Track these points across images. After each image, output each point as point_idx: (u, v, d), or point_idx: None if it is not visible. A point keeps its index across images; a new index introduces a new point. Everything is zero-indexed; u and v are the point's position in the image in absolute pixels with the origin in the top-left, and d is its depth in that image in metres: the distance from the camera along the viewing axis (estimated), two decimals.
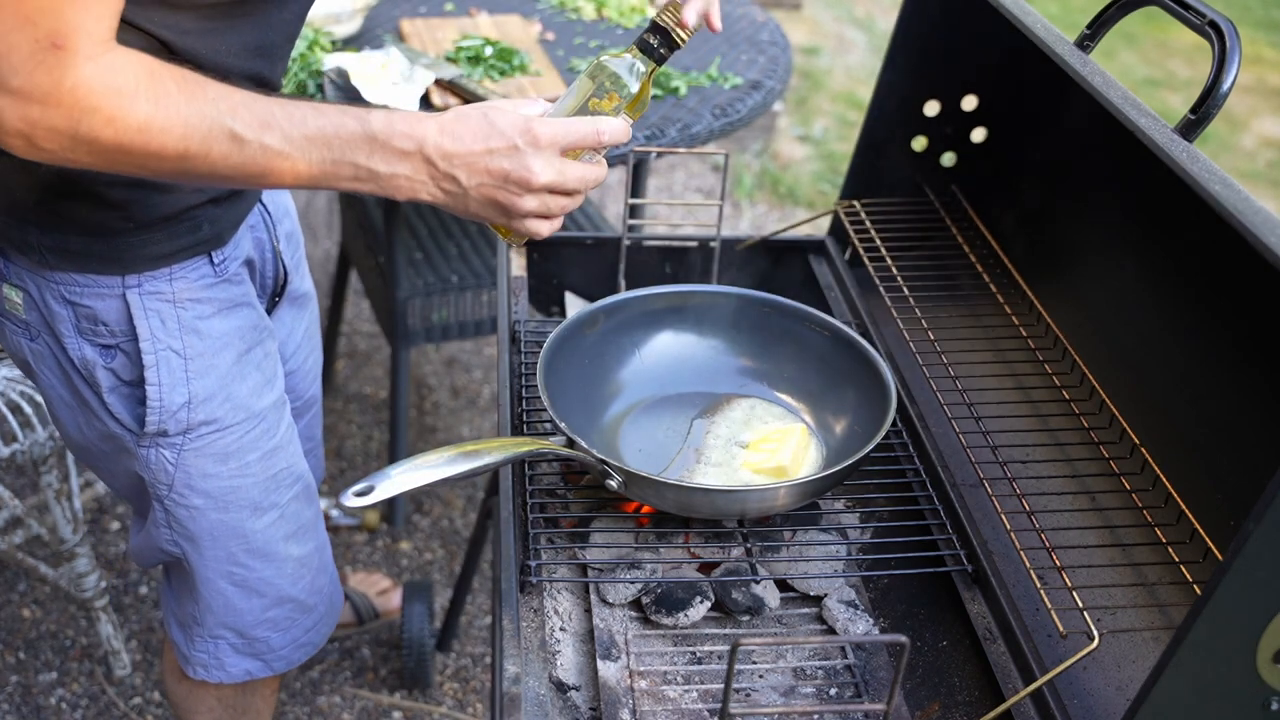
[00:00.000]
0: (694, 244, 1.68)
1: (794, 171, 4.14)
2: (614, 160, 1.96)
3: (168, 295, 1.24)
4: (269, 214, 1.41)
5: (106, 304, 1.21)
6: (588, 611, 1.23)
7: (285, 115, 1.02)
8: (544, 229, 1.12)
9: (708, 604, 1.22)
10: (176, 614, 1.51)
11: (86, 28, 0.92)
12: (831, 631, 1.23)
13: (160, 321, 1.24)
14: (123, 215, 1.17)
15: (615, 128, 1.13)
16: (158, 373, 1.25)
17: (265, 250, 1.41)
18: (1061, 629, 1.07)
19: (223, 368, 1.30)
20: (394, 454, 2.54)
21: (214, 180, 1.04)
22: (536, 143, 1.07)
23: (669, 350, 1.43)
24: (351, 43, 2.20)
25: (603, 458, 1.17)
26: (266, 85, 1.18)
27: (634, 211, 2.99)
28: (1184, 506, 1.13)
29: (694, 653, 1.21)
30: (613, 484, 1.18)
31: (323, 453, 1.82)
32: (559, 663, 1.16)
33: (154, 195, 1.18)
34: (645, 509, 1.28)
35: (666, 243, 1.68)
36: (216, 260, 1.27)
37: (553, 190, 1.09)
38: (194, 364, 1.27)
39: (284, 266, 1.45)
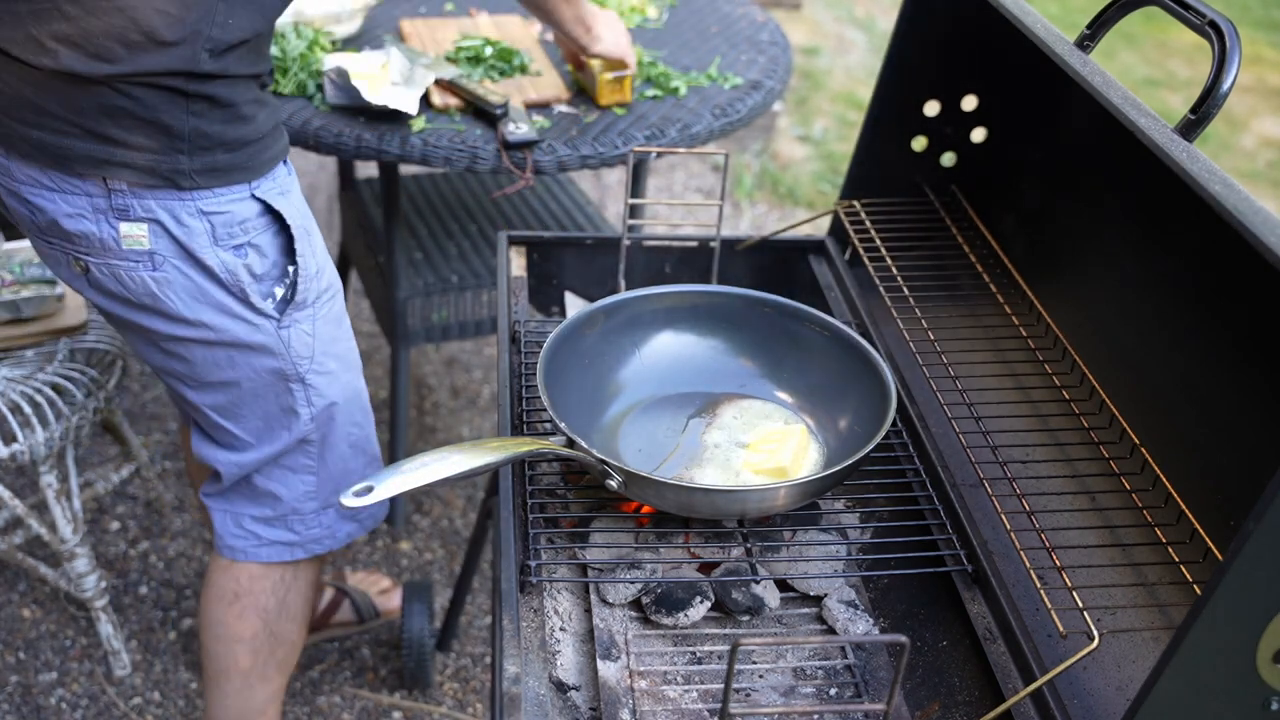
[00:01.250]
0: (694, 244, 1.68)
1: (794, 171, 4.14)
2: (614, 160, 1.96)
3: (278, 190, 1.45)
4: None
5: (243, 205, 1.41)
6: (588, 611, 1.23)
7: None
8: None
9: (708, 604, 1.22)
10: (270, 514, 1.65)
11: None
12: (831, 631, 1.24)
13: (286, 205, 1.45)
14: (252, 128, 1.39)
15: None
16: (302, 245, 1.46)
17: None
18: (1061, 629, 1.07)
19: (320, 241, 1.53)
20: (394, 454, 2.54)
21: None
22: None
23: (669, 350, 1.43)
24: (351, 43, 2.20)
25: (603, 458, 1.17)
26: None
27: (634, 211, 2.99)
28: (1184, 506, 1.13)
29: (694, 653, 1.21)
30: (613, 484, 1.18)
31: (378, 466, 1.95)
32: (559, 663, 1.16)
33: (265, 109, 1.42)
34: (645, 509, 1.28)
35: (666, 243, 1.68)
36: (287, 161, 1.50)
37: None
38: (312, 239, 1.49)
39: None
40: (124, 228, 1.37)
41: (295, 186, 1.51)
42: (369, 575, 2.35)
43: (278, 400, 1.54)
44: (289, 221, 1.45)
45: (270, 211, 1.43)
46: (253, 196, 1.42)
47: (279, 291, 1.47)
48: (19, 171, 1.37)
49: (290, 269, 1.46)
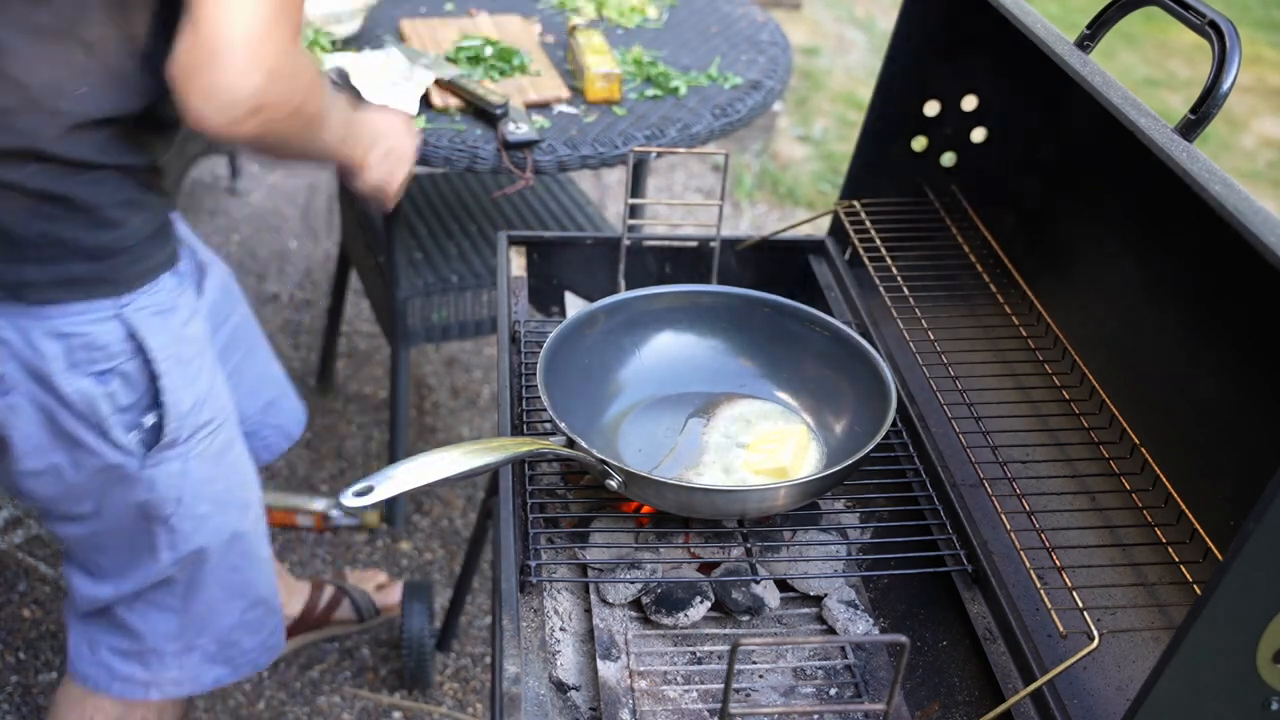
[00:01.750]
0: (694, 244, 1.68)
1: (794, 171, 4.14)
2: (614, 160, 1.96)
3: (154, 307, 1.28)
4: None
5: (105, 326, 1.25)
6: (588, 611, 1.23)
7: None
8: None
9: (708, 604, 1.22)
10: (127, 647, 1.48)
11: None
12: (831, 631, 1.24)
13: (158, 331, 1.28)
14: (119, 235, 1.23)
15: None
16: (170, 379, 1.29)
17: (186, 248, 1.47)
18: (1061, 629, 1.07)
19: (206, 368, 1.37)
20: (394, 454, 2.53)
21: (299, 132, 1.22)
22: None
23: (669, 350, 1.42)
24: (351, 43, 2.20)
25: (603, 458, 1.17)
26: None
27: (634, 211, 2.99)
28: (1184, 506, 1.13)
29: (694, 653, 1.21)
30: (613, 484, 1.18)
31: (295, 396, 1.82)
32: (559, 663, 1.16)
33: (141, 213, 1.25)
34: (645, 509, 1.28)
35: (666, 243, 1.68)
36: (180, 270, 1.34)
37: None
38: (189, 368, 1.33)
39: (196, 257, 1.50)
40: None
41: (185, 301, 1.33)
42: (366, 573, 2.34)
43: (138, 538, 1.39)
44: (150, 355, 1.27)
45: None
46: (118, 317, 1.25)
47: (148, 421, 1.31)
48: None
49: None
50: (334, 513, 2.53)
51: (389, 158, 1.48)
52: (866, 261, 1.55)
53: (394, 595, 2.29)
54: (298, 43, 1.15)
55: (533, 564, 1.16)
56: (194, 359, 1.33)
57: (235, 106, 1.09)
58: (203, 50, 1.08)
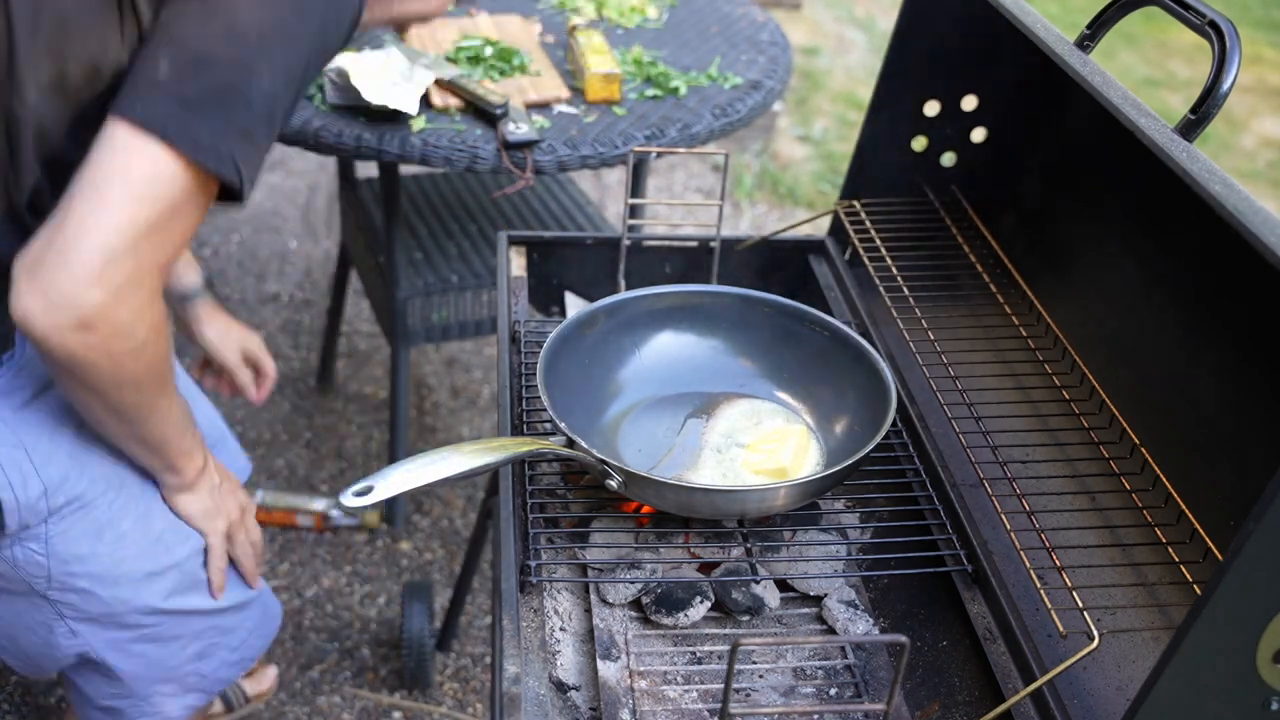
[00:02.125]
0: (694, 244, 1.68)
1: (794, 171, 4.14)
2: (614, 160, 1.96)
3: None
4: None
5: None
6: (588, 611, 1.23)
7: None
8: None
9: (708, 604, 1.22)
10: (101, 704, 1.48)
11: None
12: (831, 631, 1.23)
13: None
14: None
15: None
16: (5, 474, 1.22)
17: None
18: (1061, 629, 1.06)
19: (66, 445, 1.27)
20: (394, 454, 2.53)
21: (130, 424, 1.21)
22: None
23: (669, 350, 1.42)
24: (351, 43, 2.20)
25: (603, 458, 1.17)
26: None
27: (634, 211, 2.99)
28: (1184, 506, 1.13)
29: (694, 653, 1.21)
30: (613, 484, 1.18)
31: (235, 447, 1.78)
32: (559, 663, 1.16)
33: None
34: (645, 509, 1.28)
35: (666, 243, 1.68)
36: (16, 354, 1.26)
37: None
38: (36, 453, 1.24)
39: None
40: None
41: (22, 380, 1.25)
42: None
43: (36, 623, 1.36)
44: None
45: None
46: None
47: None
48: None
49: None
50: (334, 513, 2.53)
51: (221, 494, 1.42)
52: (866, 261, 1.55)
53: (266, 680, 2.13)
54: (157, 281, 1.08)
55: (533, 564, 1.16)
56: (40, 441, 1.25)
57: (64, 311, 1.02)
58: (56, 244, 1.02)
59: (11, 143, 1.10)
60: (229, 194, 1.11)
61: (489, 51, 2.15)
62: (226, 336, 1.71)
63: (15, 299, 1.04)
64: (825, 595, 1.26)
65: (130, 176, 1.02)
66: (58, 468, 1.26)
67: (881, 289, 1.51)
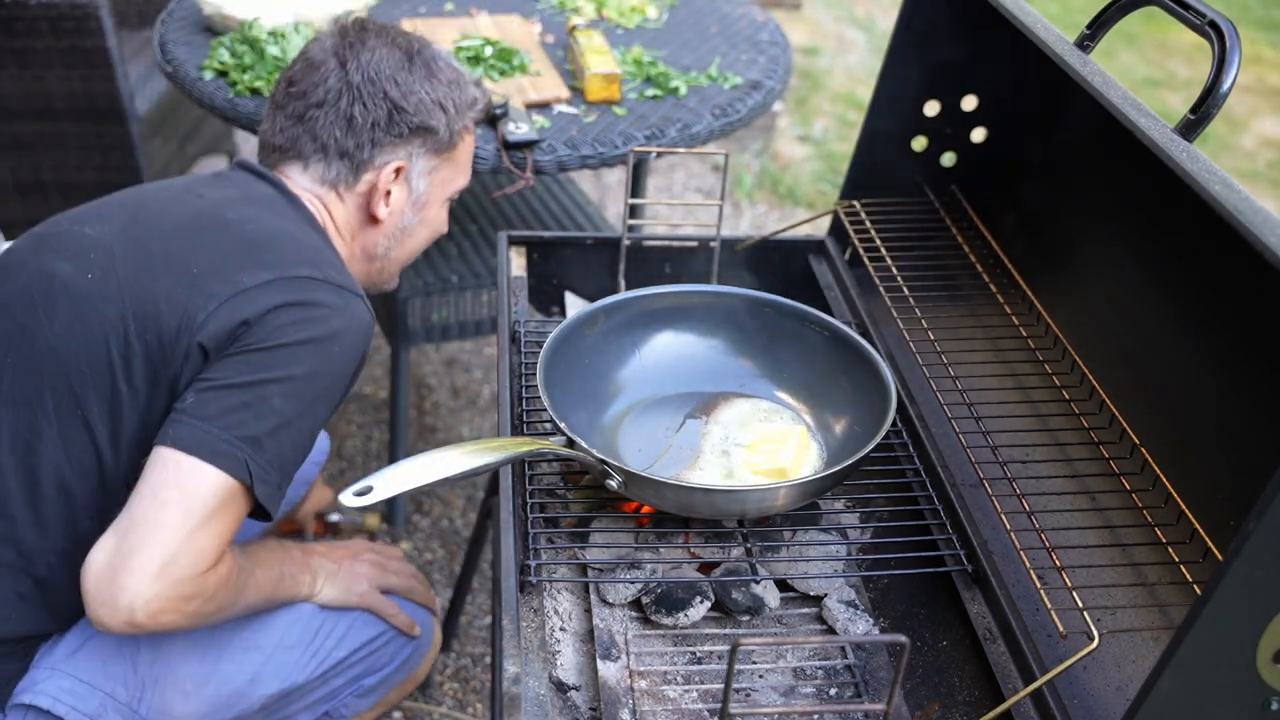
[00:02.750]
0: (694, 244, 1.68)
1: (794, 171, 4.14)
2: (614, 160, 1.96)
3: None
4: None
5: None
6: (588, 611, 1.23)
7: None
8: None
9: (708, 604, 1.22)
10: None
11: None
12: (831, 631, 1.23)
13: None
14: None
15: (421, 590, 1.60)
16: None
17: None
18: (1061, 629, 1.06)
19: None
20: (394, 454, 2.53)
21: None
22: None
23: (669, 350, 1.42)
24: None
25: (603, 458, 1.17)
26: None
27: (634, 211, 2.99)
28: (1184, 506, 1.13)
29: (694, 653, 1.21)
30: (613, 484, 1.18)
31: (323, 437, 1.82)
32: (559, 663, 1.16)
33: None
34: (645, 509, 1.28)
35: (666, 243, 1.68)
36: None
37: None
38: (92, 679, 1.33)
39: None
40: None
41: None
42: None
43: None
44: None
45: None
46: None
47: None
48: None
49: None
50: (333, 516, 2.53)
51: (343, 581, 1.49)
52: (866, 261, 1.55)
53: None
54: (215, 559, 1.21)
55: (533, 564, 1.15)
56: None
57: (131, 613, 1.16)
58: (115, 559, 1.16)
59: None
60: (260, 511, 1.24)
61: (489, 51, 2.15)
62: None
63: (91, 609, 1.17)
64: (825, 595, 1.26)
65: (175, 484, 1.18)
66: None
67: (881, 289, 1.51)
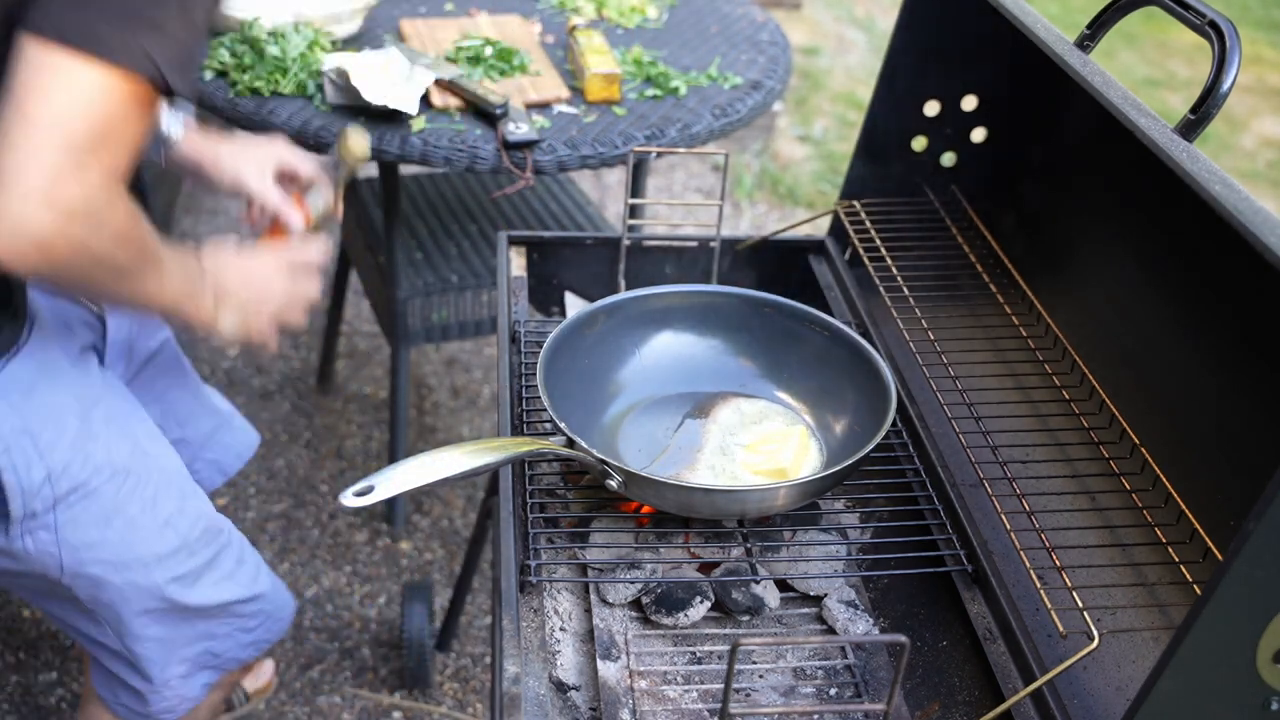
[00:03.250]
0: (694, 244, 1.68)
1: (794, 171, 4.14)
2: (614, 160, 1.96)
3: None
4: None
5: None
6: (588, 611, 1.23)
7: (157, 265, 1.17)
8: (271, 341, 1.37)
9: (708, 604, 1.22)
10: (122, 686, 1.50)
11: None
12: (831, 631, 1.23)
13: None
14: None
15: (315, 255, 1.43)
16: (8, 456, 1.23)
17: (68, 309, 1.39)
18: (1061, 629, 1.07)
19: (70, 432, 1.28)
20: (394, 454, 2.53)
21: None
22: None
23: (669, 350, 1.42)
24: (351, 43, 2.20)
25: (603, 458, 1.17)
26: None
27: (634, 211, 2.99)
28: (1184, 506, 1.13)
29: (694, 653, 1.21)
30: (613, 484, 1.18)
31: (242, 422, 1.78)
32: (559, 663, 1.16)
33: None
34: (645, 509, 1.28)
35: (666, 243, 1.68)
36: (20, 353, 1.26)
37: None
38: (41, 438, 1.25)
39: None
40: None
41: (25, 370, 1.26)
42: None
43: (53, 599, 1.39)
44: None
45: None
46: None
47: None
48: None
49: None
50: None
51: (246, 309, 1.32)
52: (866, 261, 1.55)
53: (264, 676, 2.14)
54: (114, 185, 1.03)
55: (533, 564, 1.16)
56: (46, 427, 1.25)
57: (18, 238, 0.98)
58: None
59: None
60: (166, 91, 1.05)
61: (489, 51, 2.15)
62: (244, 163, 1.53)
63: None
64: (825, 595, 1.26)
65: (50, 92, 0.98)
66: (60, 455, 1.27)
67: (881, 289, 1.51)
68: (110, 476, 1.32)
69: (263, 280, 1.35)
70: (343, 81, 1.93)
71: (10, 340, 1.25)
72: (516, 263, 1.64)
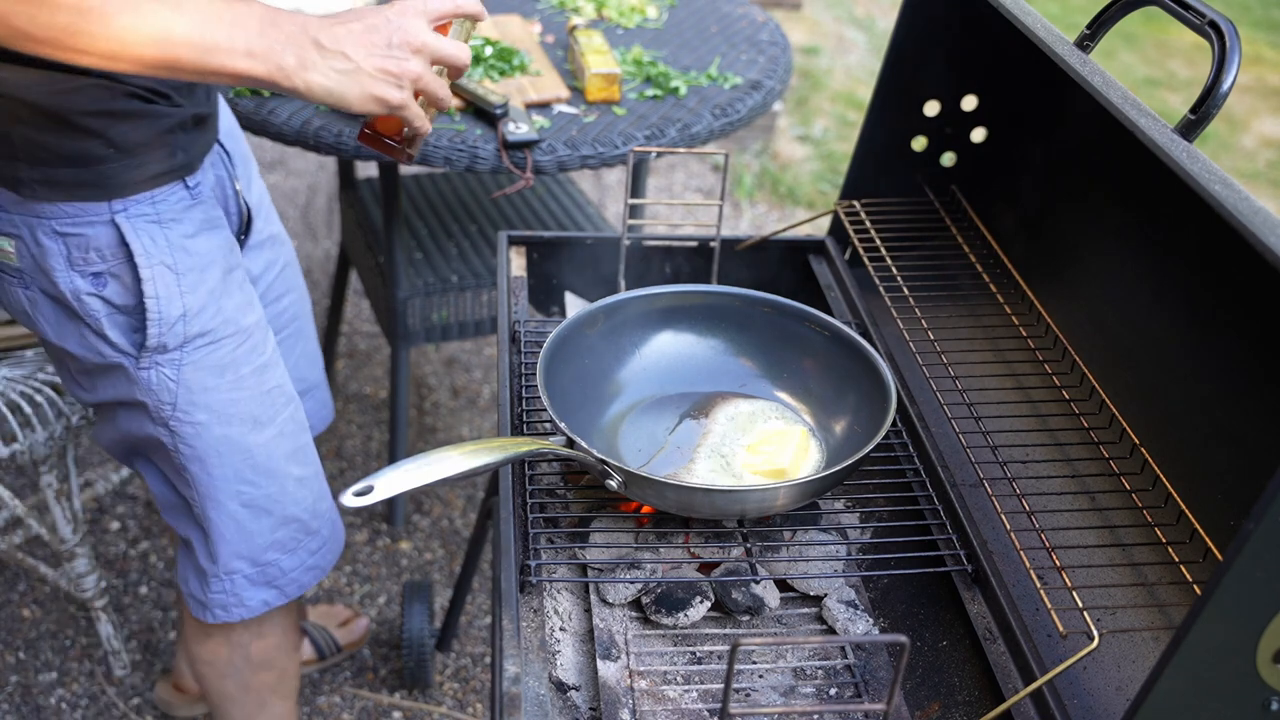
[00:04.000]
0: (694, 244, 1.68)
1: (794, 171, 4.14)
2: (614, 160, 1.96)
3: (152, 216, 1.29)
4: (227, 154, 1.46)
5: (97, 230, 1.26)
6: (588, 611, 1.23)
7: None
8: (425, 120, 1.20)
9: (708, 604, 1.22)
10: (192, 567, 1.55)
11: None
12: (831, 631, 1.23)
13: (150, 240, 1.29)
14: (103, 142, 1.22)
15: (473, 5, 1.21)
16: (155, 286, 1.30)
17: (226, 188, 1.46)
18: (1061, 629, 1.07)
19: (210, 283, 1.36)
20: (394, 454, 2.54)
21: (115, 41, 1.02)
22: (405, 11, 1.14)
23: (669, 350, 1.42)
24: None
25: (603, 458, 1.17)
26: None
27: (634, 211, 2.99)
28: (1184, 506, 1.13)
29: (694, 653, 1.21)
30: (613, 484, 1.18)
31: (327, 396, 1.85)
32: (559, 663, 1.16)
33: (126, 122, 1.23)
34: (645, 509, 1.28)
35: (666, 243, 1.68)
36: (190, 185, 1.33)
37: (434, 57, 1.15)
38: (185, 279, 1.33)
39: (246, 206, 1.51)
40: None
41: (196, 216, 1.33)
42: (330, 608, 2.32)
43: (149, 438, 1.43)
44: (137, 260, 1.28)
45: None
46: (111, 221, 1.26)
47: (136, 335, 1.34)
48: None
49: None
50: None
51: (370, 56, 1.10)
52: (866, 261, 1.55)
53: (357, 630, 2.27)
54: None
55: (533, 564, 1.16)
56: (192, 271, 1.33)
57: None
58: None
59: None
60: None
61: (489, 51, 2.15)
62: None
63: None
64: (825, 595, 1.26)
65: None
66: (198, 299, 1.34)
67: (881, 289, 1.51)
68: (234, 333, 1.40)
69: (381, 18, 1.12)
70: None
71: (179, 171, 1.30)
72: (516, 263, 1.64)
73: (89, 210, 1.25)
